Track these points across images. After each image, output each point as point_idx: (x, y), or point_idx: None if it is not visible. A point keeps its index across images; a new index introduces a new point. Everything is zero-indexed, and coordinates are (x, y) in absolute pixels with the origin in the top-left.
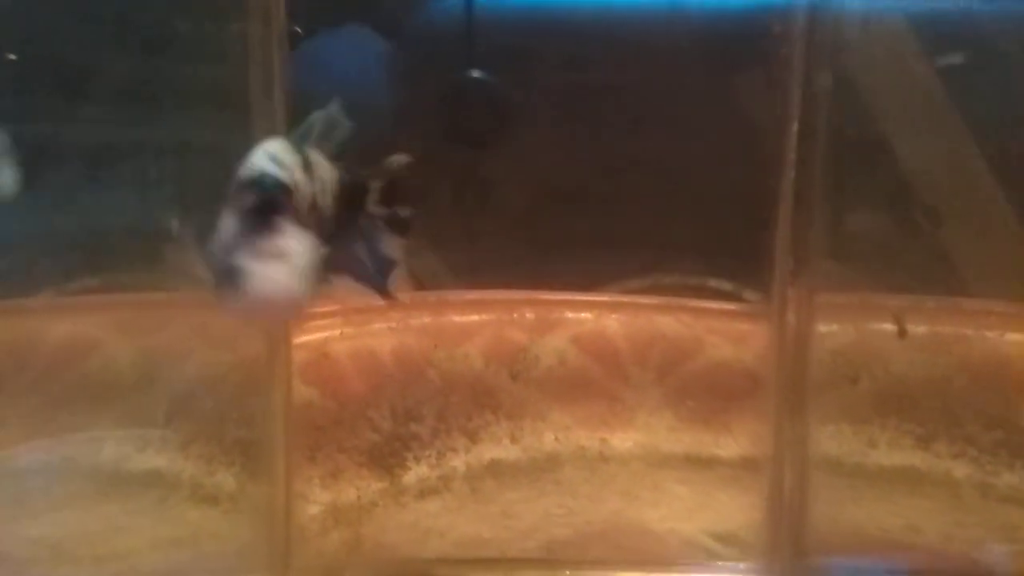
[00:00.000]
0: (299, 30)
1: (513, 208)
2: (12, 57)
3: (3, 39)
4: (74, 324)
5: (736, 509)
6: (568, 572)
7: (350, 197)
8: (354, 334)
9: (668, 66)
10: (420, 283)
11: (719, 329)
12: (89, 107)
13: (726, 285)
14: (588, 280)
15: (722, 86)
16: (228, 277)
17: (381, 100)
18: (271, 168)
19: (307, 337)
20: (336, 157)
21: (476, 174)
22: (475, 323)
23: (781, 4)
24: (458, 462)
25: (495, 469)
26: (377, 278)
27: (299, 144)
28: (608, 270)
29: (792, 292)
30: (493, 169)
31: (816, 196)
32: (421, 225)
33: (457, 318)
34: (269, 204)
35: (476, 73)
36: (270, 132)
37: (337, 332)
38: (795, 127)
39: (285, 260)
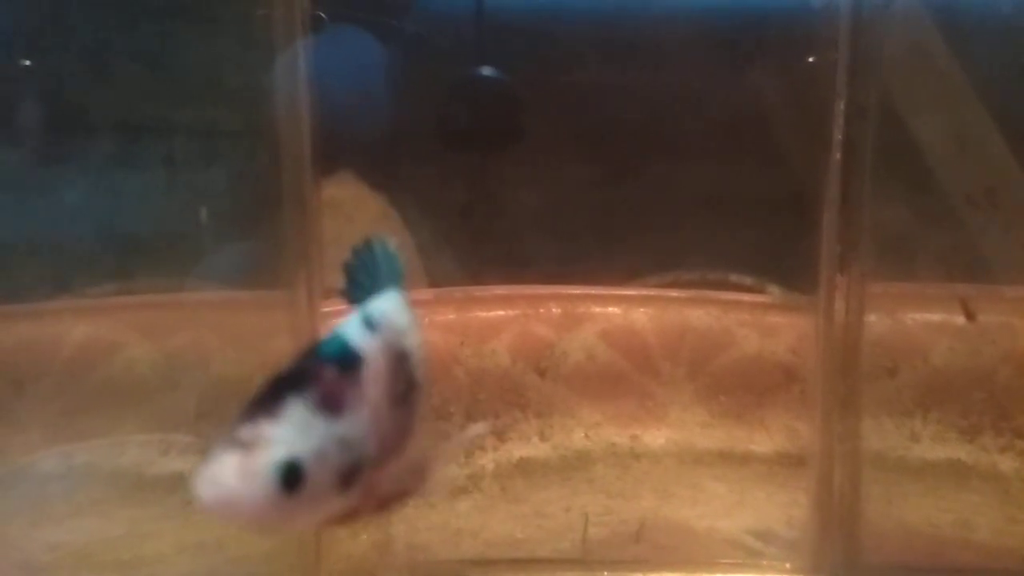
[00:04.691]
0: (323, 15)
1: (525, 207)
2: (27, 63)
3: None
4: (95, 326)
5: (776, 507)
6: (606, 573)
7: None
8: None
9: (688, 63)
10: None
11: (750, 322)
12: (107, 93)
13: (747, 279)
14: (606, 278)
15: (746, 81)
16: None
17: (387, 101)
18: (353, 335)
19: None
20: None
21: (488, 173)
22: (501, 319)
23: None
24: (487, 461)
25: (525, 468)
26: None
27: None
28: (627, 267)
29: (841, 280)
30: (505, 168)
31: (865, 182)
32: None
33: (483, 314)
34: (296, 378)
35: (487, 70)
36: (295, 120)
37: None
38: (841, 107)
39: (250, 454)
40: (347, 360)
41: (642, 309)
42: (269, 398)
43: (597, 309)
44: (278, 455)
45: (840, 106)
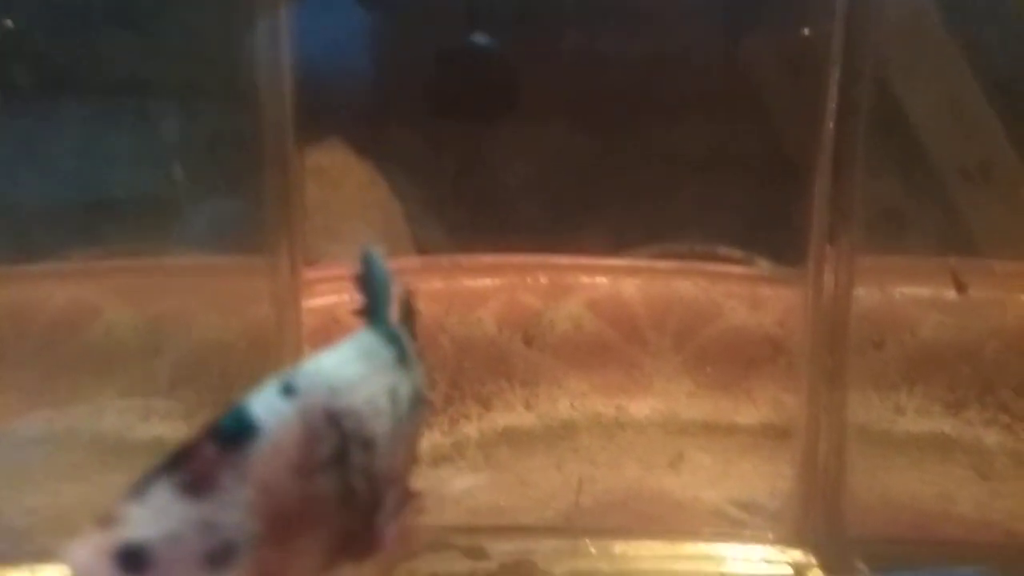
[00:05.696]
0: None
1: (517, 178)
2: (9, 24)
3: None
4: (76, 290)
5: (760, 478)
6: (588, 540)
7: None
8: None
9: (682, 31)
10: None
11: (738, 293)
12: (88, 59)
13: (736, 253)
14: (594, 249)
15: (739, 49)
16: None
17: (376, 67)
18: (259, 404)
19: (317, 301)
20: None
21: (476, 141)
22: (488, 287)
23: None
24: (471, 429)
25: (510, 436)
26: None
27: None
28: (617, 239)
29: (830, 253)
30: (497, 139)
31: (858, 153)
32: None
33: (470, 282)
34: (177, 455)
35: (479, 37)
36: (277, 82)
37: (347, 296)
38: (835, 87)
39: (103, 533)
40: (236, 435)
41: (630, 279)
42: (148, 476)
43: (585, 279)
44: (123, 536)
45: (835, 74)
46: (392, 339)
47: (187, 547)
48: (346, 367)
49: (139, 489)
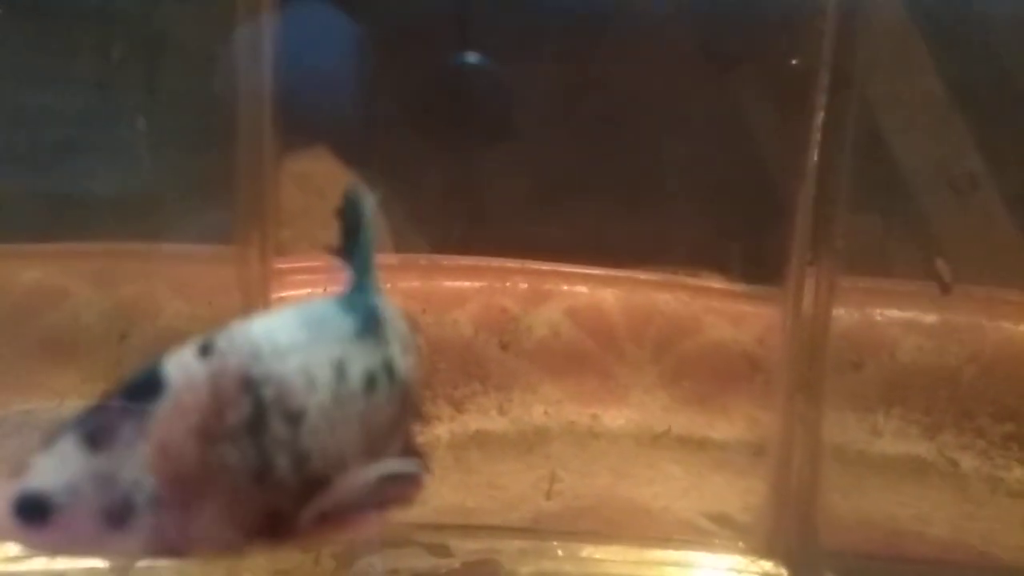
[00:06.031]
0: None
1: (502, 197)
2: None
3: None
4: (43, 272)
5: (732, 492)
6: (555, 542)
7: None
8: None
9: (675, 56)
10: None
11: (718, 309)
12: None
13: (717, 276)
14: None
15: (733, 75)
16: None
17: (367, 80)
18: (173, 362)
19: (288, 293)
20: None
21: (468, 161)
22: (466, 289)
23: None
24: (442, 431)
25: (481, 440)
26: None
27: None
28: (599, 260)
29: (811, 272)
30: (485, 156)
31: (842, 180)
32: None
33: (448, 283)
34: (88, 408)
35: (472, 57)
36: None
37: (321, 289)
38: (821, 116)
39: (12, 480)
40: (141, 390)
41: (610, 289)
42: (60, 427)
43: (565, 286)
44: (24, 485)
45: (822, 97)
46: (357, 308)
47: (85, 499)
48: (280, 332)
49: (48, 440)
